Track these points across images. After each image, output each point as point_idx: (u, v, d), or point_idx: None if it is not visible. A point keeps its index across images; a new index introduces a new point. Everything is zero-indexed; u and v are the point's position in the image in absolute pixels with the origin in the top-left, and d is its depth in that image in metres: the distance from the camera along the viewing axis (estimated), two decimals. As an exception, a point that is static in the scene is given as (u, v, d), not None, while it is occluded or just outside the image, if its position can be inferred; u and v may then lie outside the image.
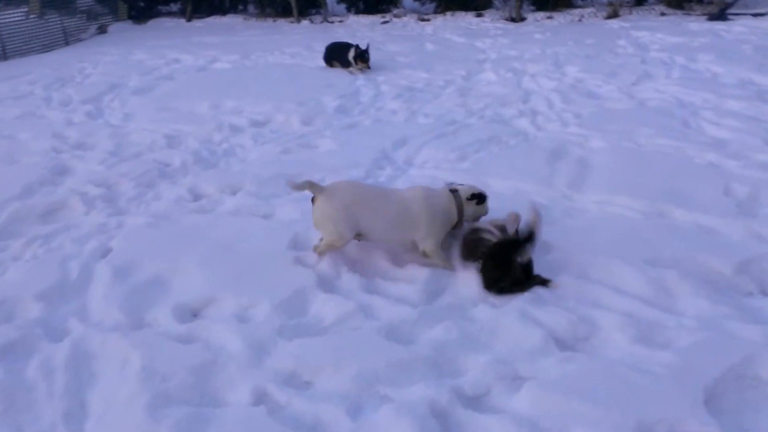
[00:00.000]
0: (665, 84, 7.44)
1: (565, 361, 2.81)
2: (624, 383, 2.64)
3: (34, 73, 9.69)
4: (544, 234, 3.89)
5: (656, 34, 10.61)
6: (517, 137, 5.80)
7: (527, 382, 2.70)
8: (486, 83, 8.08)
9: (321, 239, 3.68)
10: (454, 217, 3.73)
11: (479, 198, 3.79)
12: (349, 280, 3.48)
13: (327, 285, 3.44)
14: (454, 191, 3.75)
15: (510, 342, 2.97)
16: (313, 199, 3.60)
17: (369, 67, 8.91)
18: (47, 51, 13.27)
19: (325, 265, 3.63)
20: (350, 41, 9.89)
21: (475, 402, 2.65)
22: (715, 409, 2.54)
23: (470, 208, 3.76)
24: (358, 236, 3.65)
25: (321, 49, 10.71)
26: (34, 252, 3.93)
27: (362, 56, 8.85)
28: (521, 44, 10.67)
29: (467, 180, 4.74)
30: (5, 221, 4.28)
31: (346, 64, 8.99)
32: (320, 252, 3.68)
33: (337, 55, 9.21)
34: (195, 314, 3.29)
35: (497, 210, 4.17)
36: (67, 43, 14.18)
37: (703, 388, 2.60)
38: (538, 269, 3.56)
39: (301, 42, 11.69)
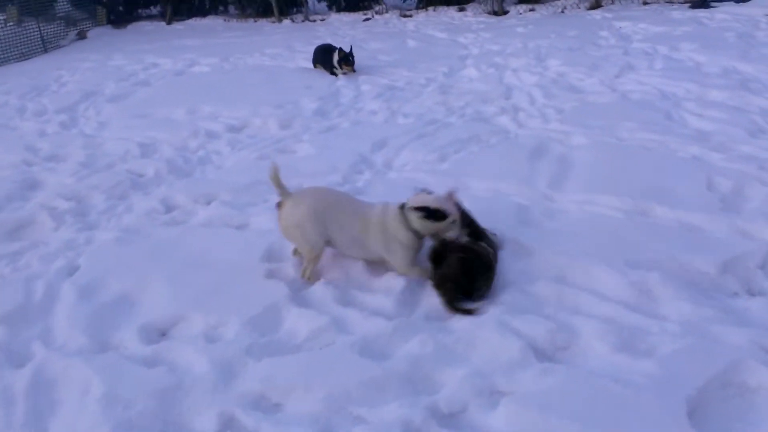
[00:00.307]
0: (648, 75, 7.36)
1: (544, 374, 2.71)
2: (604, 396, 2.55)
3: (10, 82, 9.50)
4: (523, 237, 3.82)
5: (639, 24, 10.52)
6: (498, 135, 5.70)
7: (504, 397, 2.61)
8: (468, 80, 7.97)
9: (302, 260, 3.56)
10: (410, 234, 3.38)
11: (426, 213, 3.31)
12: (323, 291, 3.37)
13: (300, 298, 3.33)
14: (401, 206, 3.41)
15: (487, 354, 2.87)
16: (278, 205, 3.49)
17: (354, 71, 8.61)
18: (26, 59, 13.05)
19: (296, 276, 3.54)
20: (332, 41, 9.79)
21: (451, 420, 2.55)
22: (699, 421, 2.46)
23: (417, 222, 3.34)
24: (328, 244, 3.53)
25: (302, 50, 10.62)
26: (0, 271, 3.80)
27: (346, 60, 8.53)
28: (503, 38, 10.56)
29: (444, 183, 4.66)
30: (-29, 240, 4.15)
31: (330, 68, 8.68)
32: (308, 276, 3.51)
33: (321, 58, 8.92)
34: (163, 333, 3.18)
35: (478, 212, 4.07)
36: (45, 51, 13.94)
37: (686, 399, 2.51)
38: (515, 274, 3.48)
39: (282, 42, 11.54)
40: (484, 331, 2.98)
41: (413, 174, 4.90)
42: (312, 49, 9.23)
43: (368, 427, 2.47)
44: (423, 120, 6.27)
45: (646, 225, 3.98)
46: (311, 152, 5.53)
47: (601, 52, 8.83)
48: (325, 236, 3.43)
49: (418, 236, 3.42)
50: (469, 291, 3.27)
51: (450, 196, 3.46)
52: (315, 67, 9.06)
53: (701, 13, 11.12)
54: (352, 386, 2.67)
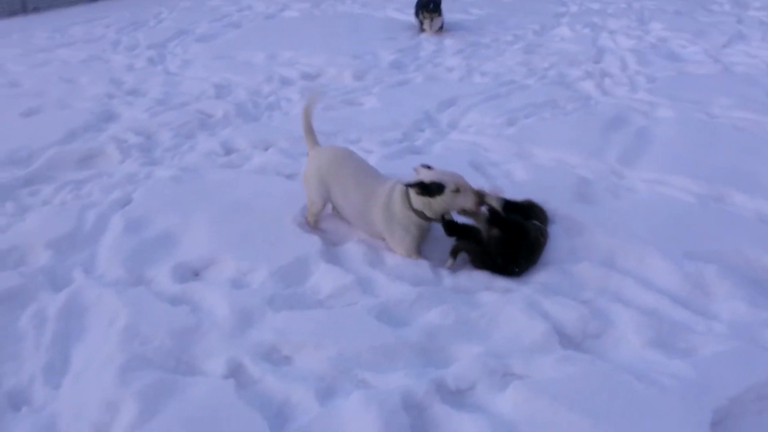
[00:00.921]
0: (759, 47, 6.67)
1: (564, 361, 2.55)
2: (623, 394, 2.37)
3: (112, 16, 9.89)
4: (578, 213, 3.60)
5: (764, -11, 9.52)
6: (576, 102, 5.37)
7: (517, 380, 2.49)
8: (559, 39, 7.53)
9: None
10: (412, 215, 3.19)
11: (427, 189, 3.05)
12: (355, 249, 3.32)
13: (330, 254, 3.30)
14: (404, 189, 3.20)
15: (509, 333, 2.74)
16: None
17: (440, 26, 7.80)
18: (134, -7, 13.54)
19: (334, 228, 3.52)
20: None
21: (455, 397, 2.46)
22: (723, 434, 2.25)
23: (417, 201, 3.13)
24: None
25: (393, -2, 10.38)
26: (62, 198, 4.00)
27: (426, 6, 7.66)
28: (608, -4, 9.87)
29: (508, 148, 4.47)
30: (42, 166, 4.38)
31: (419, 22, 7.94)
32: (310, 222, 3.55)
33: (416, 10, 8.02)
34: (196, 274, 3.25)
35: (538, 185, 3.88)
36: (152, -14, 14.39)
37: (714, 408, 2.29)
38: (559, 252, 3.29)
39: (376, -11, 11.31)
40: (511, 309, 2.83)
41: (476, 137, 4.71)
42: (402, -1, 8.99)
43: (369, 392, 2.42)
44: (500, 80, 6.00)
45: (719, 212, 3.64)
46: (377, 106, 5.43)
47: (712, 18, 8.08)
48: (325, 198, 3.45)
49: (424, 218, 3.19)
50: (508, 271, 3.12)
51: (493, 190, 3.25)
52: (417, 19, 8.10)
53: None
54: (363, 349, 2.63)
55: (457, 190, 3.08)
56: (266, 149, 4.64)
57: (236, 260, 3.25)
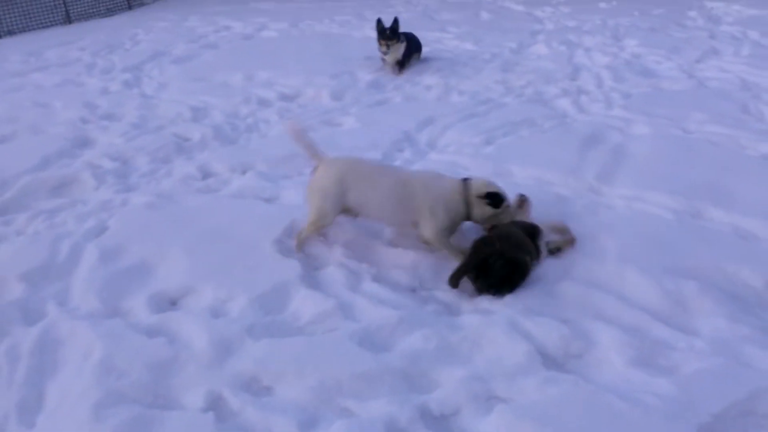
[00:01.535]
0: (732, 62, 6.78)
1: (548, 383, 2.54)
2: (607, 415, 2.36)
3: (87, 38, 9.82)
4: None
5: (733, 5, 9.70)
6: (554, 120, 5.40)
7: (501, 404, 2.46)
8: (535, 57, 7.60)
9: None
10: (461, 209, 3.45)
11: (494, 199, 3.42)
12: (335, 274, 3.30)
13: (311, 279, 3.26)
14: (465, 181, 3.48)
15: (492, 356, 2.72)
16: (314, 170, 3.54)
17: (400, 64, 6.91)
18: (110, 15, 13.49)
19: (315, 253, 3.48)
20: (404, 9, 9.51)
21: (440, 423, 2.44)
22: (708, 452, 2.24)
23: (479, 208, 3.44)
24: (351, 212, 3.54)
25: (371, 18, 10.43)
26: (36, 228, 3.92)
27: (382, 33, 6.79)
28: (583, 14, 10.00)
29: (485, 167, 4.47)
30: (15, 194, 4.30)
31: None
32: (302, 239, 3.53)
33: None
34: (173, 303, 3.20)
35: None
36: (129, 7, 14.35)
37: (697, 426, 2.29)
38: (540, 271, 3.28)
39: (353, 9, 11.37)
40: (493, 331, 2.82)
41: (454, 157, 4.71)
42: (382, 18, 8.98)
43: (351, 422, 2.38)
44: (477, 99, 6.03)
45: (697, 228, 3.67)
46: (356, 126, 5.42)
47: (686, 33, 8.22)
48: (342, 206, 3.46)
49: (463, 217, 3.49)
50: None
51: (521, 202, 3.63)
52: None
53: (806, -5, 10.14)
54: (344, 377, 2.59)
55: (507, 207, 3.49)
56: (244, 173, 4.60)
57: (214, 288, 3.20)
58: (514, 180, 4.33)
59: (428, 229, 3.41)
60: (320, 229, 3.55)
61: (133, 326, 2.93)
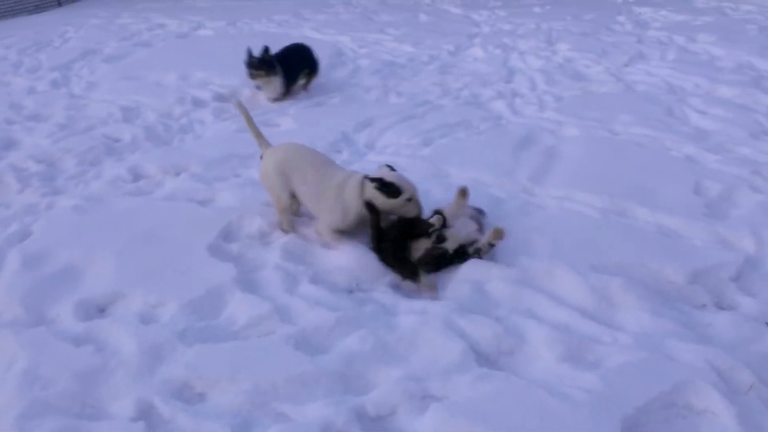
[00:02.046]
0: (658, 66, 7.07)
1: (481, 380, 2.58)
2: (537, 409, 2.42)
3: (16, 36, 9.42)
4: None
5: (660, 11, 10.12)
6: (489, 122, 5.51)
7: (435, 402, 2.49)
8: (472, 60, 7.73)
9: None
10: (360, 210, 3.45)
11: (386, 188, 3.35)
12: (271, 276, 3.26)
13: (247, 282, 3.22)
14: (366, 179, 3.45)
15: (428, 355, 2.75)
16: (261, 157, 3.78)
17: (291, 86, 6.16)
18: (39, 12, 12.96)
19: (251, 256, 3.45)
20: (342, 10, 9.46)
21: (375, 423, 2.45)
22: (632, 443, 2.33)
23: (371, 194, 3.39)
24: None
25: (309, 17, 10.41)
26: (-45, 233, 3.73)
27: (252, 63, 5.92)
28: (518, 18, 10.23)
29: (425, 168, 4.52)
30: (-67, 198, 4.09)
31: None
32: (284, 228, 3.69)
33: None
34: (102, 310, 3.10)
35: (446, 201, 3.94)
36: (60, 4, 13.82)
37: (621, 418, 2.38)
38: (474, 270, 3.34)
39: (292, 8, 11.30)
40: (429, 331, 2.85)
41: (393, 158, 4.73)
42: (319, 18, 8.98)
43: (287, 426, 2.37)
44: (415, 101, 6.08)
45: (622, 226, 3.80)
46: (293, 127, 5.39)
47: (615, 38, 8.52)
48: (290, 189, 3.61)
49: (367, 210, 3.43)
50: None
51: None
52: None
53: (726, 3, 10.67)
54: (280, 381, 2.57)
55: (409, 199, 3.40)
56: (178, 174, 4.51)
57: (144, 293, 3.12)
58: (451, 181, 4.39)
59: (321, 222, 3.57)
60: (285, 212, 3.69)
61: (59, 334, 2.83)
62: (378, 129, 5.36)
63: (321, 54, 6.97)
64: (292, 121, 5.52)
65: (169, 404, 2.47)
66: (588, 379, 2.58)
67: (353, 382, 2.64)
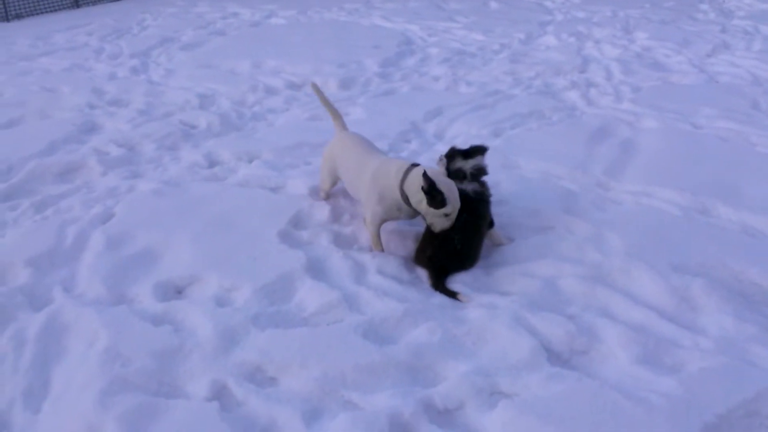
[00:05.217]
0: (743, 57, 6.73)
1: (552, 379, 2.53)
2: (611, 412, 2.35)
3: (96, 23, 9.81)
4: (564, 226, 3.59)
5: (745, -2, 9.64)
6: (562, 112, 5.37)
7: (504, 399, 2.46)
8: (544, 48, 7.56)
9: None
10: (396, 197, 3.23)
11: (432, 193, 3.02)
12: (341, 265, 3.28)
13: (316, 270, 3.25)
14: (410, 168, 3.20)
15: (496, 350, 2.71)
16: None
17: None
18: (117, 0, 13.44)
19: (321, 243, 3.48)
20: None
21: (443, 417, 2.43)
22: (712, 453, 2.24)
23: (416, 196, 3.11)
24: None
25: (379, 6, 10.39)
26: (42, 213, 3.92)
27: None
28: (593, 5, 9.94)
29: (494, 159, 4.44)
30: (23, 179, 4.31)
31: None
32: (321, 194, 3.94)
33: None
34: (179, 291, 3.20)
35: (523, 197, 3.89)
36: (136, -8, 14.29)
37: (702, 426, 2.28)
38: (546, 266, 3.26)
39: (363, -3, 11.31)
40: (498, 326, 2.81)
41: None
42: (388, 6, 8.94)
43: (355, 415, 2.38)
44: (485, 90, 6.00)
45: (704, 225, 3.64)
46: (362, 116, 5.40)
47: (697, 27, 8.15)
48: (334, 177, 3.79)
49: (404, 201, 3.21)
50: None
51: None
52: None
53: (821, -11, 10.03)
54: (348, 369, 2.59)
55: (446, 215, 3.11)
56: (250, 161, 4.60)
57: (219, 277, 3.20)
58: (521, 173, 4.32)
59: (366, 214, 3.41)
60: (324, 194, 3.94)
61: (138, 314, 2.93)
62: (447, 119, 5.31)
63: (390, 43, 6.96)
64: (361, 111, 5.54)
65: (242, 386, 2.53)
66: (666, 384, 2.49)
67: (421, 373, 2.63)
